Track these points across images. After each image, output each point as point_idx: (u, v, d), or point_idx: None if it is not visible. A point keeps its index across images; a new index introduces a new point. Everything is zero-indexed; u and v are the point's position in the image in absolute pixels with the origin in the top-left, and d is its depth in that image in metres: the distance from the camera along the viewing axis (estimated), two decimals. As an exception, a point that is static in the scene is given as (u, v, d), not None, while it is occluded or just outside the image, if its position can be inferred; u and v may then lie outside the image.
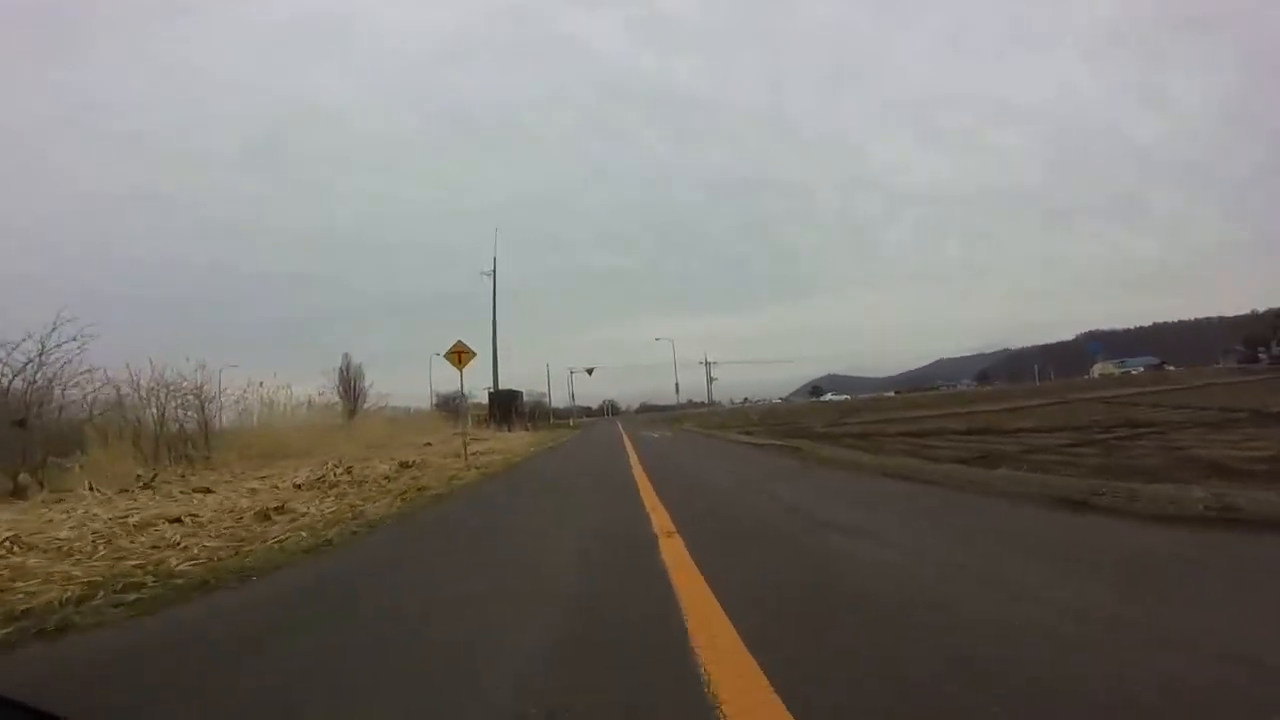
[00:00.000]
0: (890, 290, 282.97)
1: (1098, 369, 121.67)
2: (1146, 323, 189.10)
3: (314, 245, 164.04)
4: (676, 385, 61.62)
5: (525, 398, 65.12)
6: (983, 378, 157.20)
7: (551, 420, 57.44)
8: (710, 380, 65.47)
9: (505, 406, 38.33)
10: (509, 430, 32.77)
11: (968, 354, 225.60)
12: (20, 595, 4.22)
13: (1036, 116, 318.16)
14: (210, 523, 6.86)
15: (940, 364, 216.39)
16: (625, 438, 25.59)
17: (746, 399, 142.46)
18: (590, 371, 62.88)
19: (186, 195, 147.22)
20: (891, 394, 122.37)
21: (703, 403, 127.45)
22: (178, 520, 6.86)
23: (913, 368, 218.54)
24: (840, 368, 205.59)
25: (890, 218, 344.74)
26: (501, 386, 45.00)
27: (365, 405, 36.82)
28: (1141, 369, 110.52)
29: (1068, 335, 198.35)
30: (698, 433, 30.04)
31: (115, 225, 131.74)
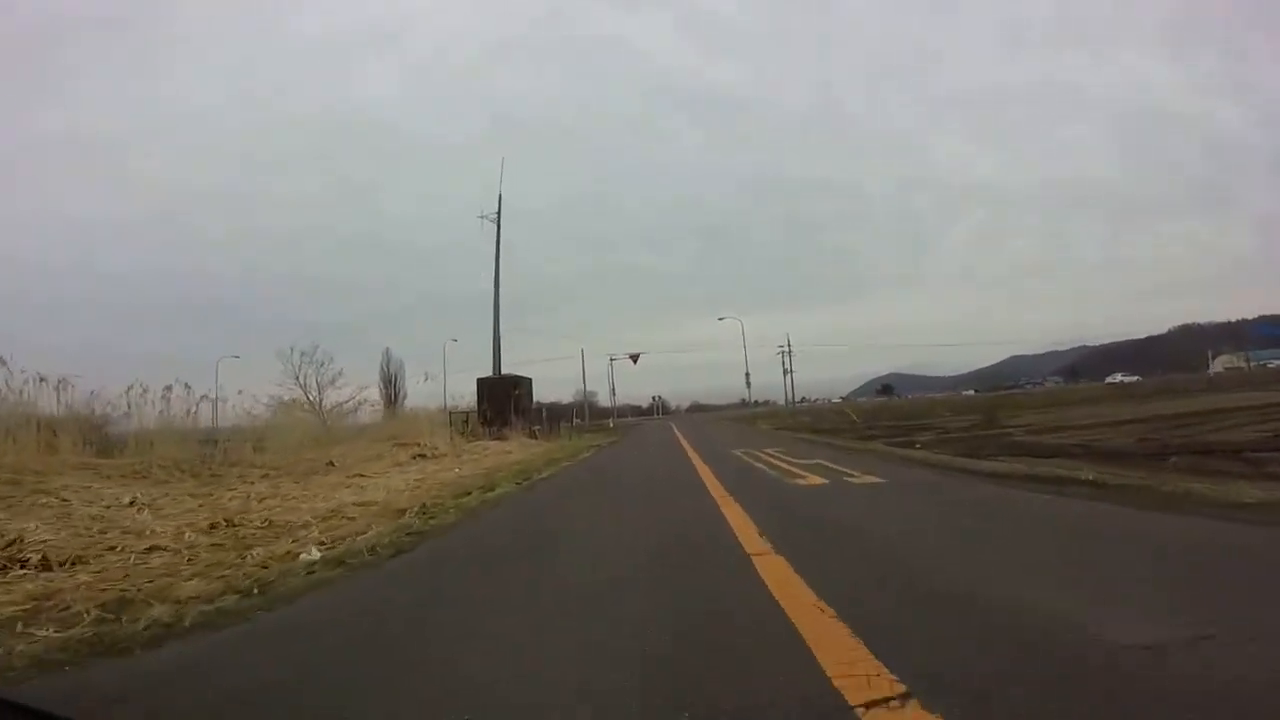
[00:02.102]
0: (953, 288, 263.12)
1: (1220, 361, 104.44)
2: (1250, 314, 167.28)
3: (360, 248, 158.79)
4: (747, 376, 49.27)
5: (570, 397, 53.58)
6: (1071, 374, 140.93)
7: (577, 422, 44.83)
8: (786, 372, 52.89)
9: (499, 401, 24.24)
10: (501, 439, 20.67)
11: (1041, 351, 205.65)
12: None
13: (1106, 109, 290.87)
14: None
15: (1013, 361, 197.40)
16: (702, 469, 11.69)
17: (804, 398, 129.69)
18: (635, 359, 50.46)
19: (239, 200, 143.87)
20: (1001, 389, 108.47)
21: (759, 402, 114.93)
22: None
23: (983, 365, 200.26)
24: (903, 366, 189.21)
25: (951, 215, 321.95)
26: (537, 391, 34.36)
27: (405, 401, 33.57)
28: (1278, 363, 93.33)
29: (1158, 329, 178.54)
30: (866, 450, 14.69)
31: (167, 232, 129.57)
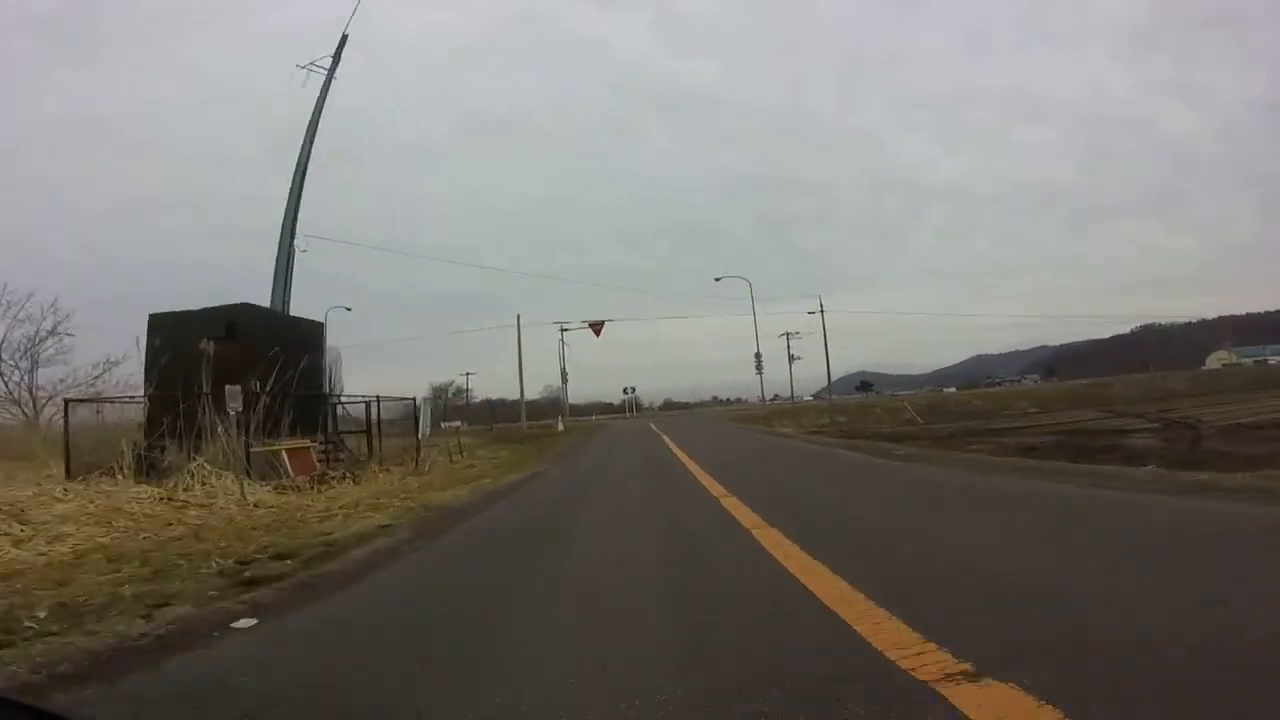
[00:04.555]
0: (917, 288, 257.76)
1: (1213, 358, 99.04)
2: (1210, 315, 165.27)
3: (332, 246, 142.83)
4: (758, 358, 36.57)
5: (538, 393, 38.06)
6: (1048, 371, 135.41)
7: (462, 430, 27.08)
8: (792, 359, 41.22)
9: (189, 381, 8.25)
10: (168, 481, 6.81)
11: (1005, 350, 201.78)
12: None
13: (1066, 112, 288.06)
14: None
15: (978, 360, 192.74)
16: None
17: (776, 396, 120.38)
18: (598, 329, 34.79)
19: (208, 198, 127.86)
20: (951, 389, 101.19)
21: (735, 400, 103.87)
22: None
23: (949, 364, 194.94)
24: (869, 364, 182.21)
25: (915, 216, 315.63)
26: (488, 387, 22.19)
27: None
28: (1277, 359, 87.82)
29: (1122, 329, 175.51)
30: None
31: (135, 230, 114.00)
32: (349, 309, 40.25)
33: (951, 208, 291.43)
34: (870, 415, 26.56)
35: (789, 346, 38.11)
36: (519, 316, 34.83)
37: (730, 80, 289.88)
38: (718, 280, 38.11)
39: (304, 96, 19.39)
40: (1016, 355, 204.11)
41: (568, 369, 39.25)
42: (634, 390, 62.84)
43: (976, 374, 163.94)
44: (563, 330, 35.65)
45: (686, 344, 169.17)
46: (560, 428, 31.23)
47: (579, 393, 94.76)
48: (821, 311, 34.19)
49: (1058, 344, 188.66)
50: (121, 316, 14.56)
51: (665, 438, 18.66)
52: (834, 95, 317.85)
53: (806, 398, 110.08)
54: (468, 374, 79.65)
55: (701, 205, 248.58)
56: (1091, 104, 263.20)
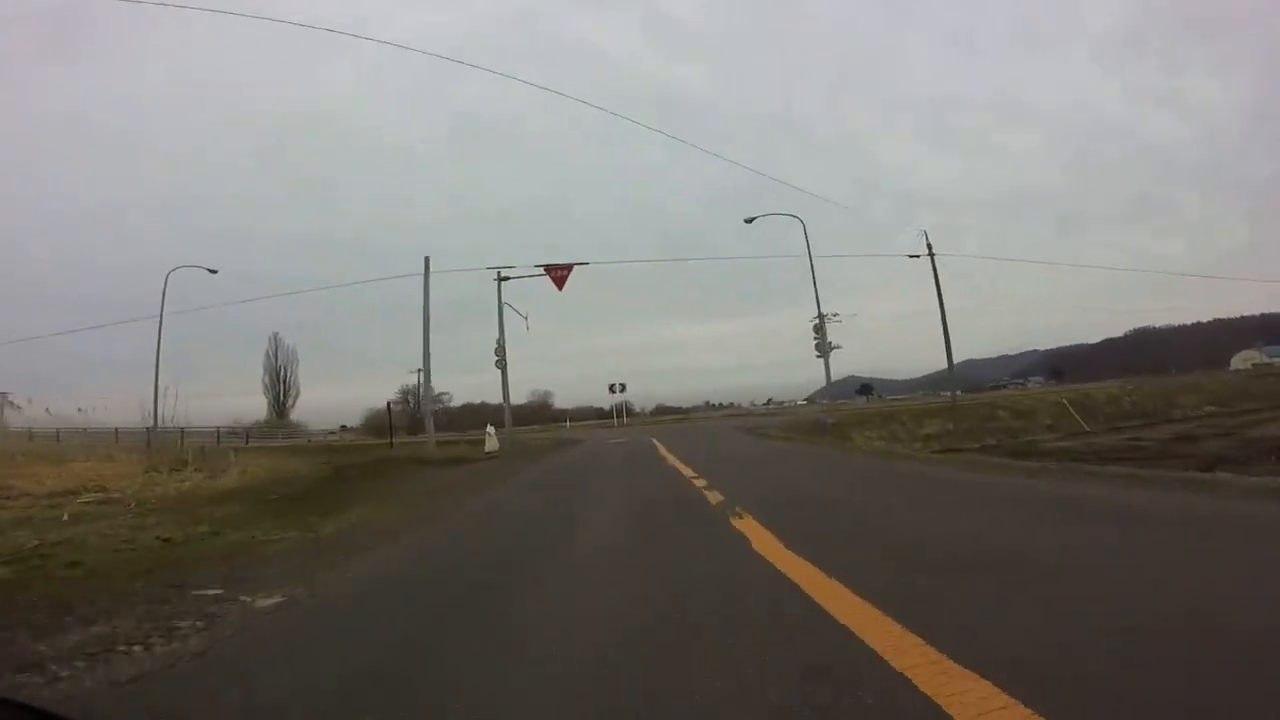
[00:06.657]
0: (904, 293, 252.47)
1: (1240, 358, 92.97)
2: (1206, 318, 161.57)
3: (315, 250, 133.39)
4: (819, 329, 25.35)
5: (525, 397, 24.53)
6: (1053, 374, 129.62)
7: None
8: (828, 347, 29.75)
9: None
10: None
11: (994, 355, 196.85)
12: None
13: (1052, 118, 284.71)
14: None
15: (967, 365, 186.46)
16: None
17: (770, 400, 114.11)
18: (561, 279, 21.91)
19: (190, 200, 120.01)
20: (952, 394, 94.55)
21: (727, 405, 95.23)
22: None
23: (936, 370, 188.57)
24: (857, 369, 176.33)
25: (900, 221, 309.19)
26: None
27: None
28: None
29: (1115, 333, 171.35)
30: None
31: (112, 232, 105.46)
32: (214, 270, 31.15)
33: (933, 214, 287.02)
34: (995, 421, 17.34)
35: (824, 333, 27.36)
36: (427, 259, 23.06)
37: (718, 86, 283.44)
38: (749, 222, 27.80)
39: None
40: (1006, 360, 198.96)
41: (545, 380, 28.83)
42: (623, 387, 51.11)
43: (967, 378, 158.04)
44: (500, 279, 22.55)
45: (675, 349, 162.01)
46: (491, 446, 17.88)
47: (565, 397, 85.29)
48: (931, 255, 24.35)
49: (1046, 349, 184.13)
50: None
51: (748, 522, 5.10)
52: (823, 102, 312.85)
53: (800, 401, 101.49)
54: (418, 370, 69.44)
55: (690, 211, 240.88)
56: (1079, 110, 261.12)
